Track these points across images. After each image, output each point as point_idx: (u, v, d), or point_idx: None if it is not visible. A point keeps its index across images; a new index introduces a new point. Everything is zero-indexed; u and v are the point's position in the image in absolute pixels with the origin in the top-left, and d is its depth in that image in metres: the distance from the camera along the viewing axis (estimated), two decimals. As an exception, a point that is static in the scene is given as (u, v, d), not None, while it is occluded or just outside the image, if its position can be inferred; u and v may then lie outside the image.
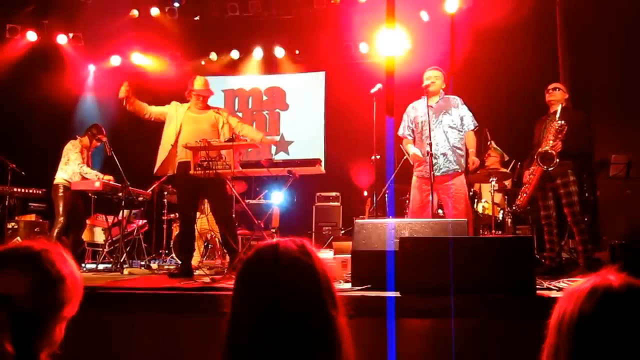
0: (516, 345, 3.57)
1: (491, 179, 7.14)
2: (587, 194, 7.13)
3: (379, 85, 6.52)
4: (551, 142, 5.88)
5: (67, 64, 11.01)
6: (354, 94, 9.51)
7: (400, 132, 6.32)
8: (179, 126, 6.16)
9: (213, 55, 11.44)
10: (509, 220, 7.53)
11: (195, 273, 6.12)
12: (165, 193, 8.83)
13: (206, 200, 6.90)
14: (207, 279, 5.27)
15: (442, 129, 6.00)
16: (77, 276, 1.71)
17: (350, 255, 4.58)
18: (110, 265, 7.24)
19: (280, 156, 11.23)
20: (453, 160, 5.97)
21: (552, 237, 6.14)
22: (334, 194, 10.40)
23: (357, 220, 4.73)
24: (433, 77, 6.07)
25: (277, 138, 11.57)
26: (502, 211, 7.63)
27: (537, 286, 4.01)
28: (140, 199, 7.93)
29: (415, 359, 3.65)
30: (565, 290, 1.31)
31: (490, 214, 7.35)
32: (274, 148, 11.42)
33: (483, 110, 7.52)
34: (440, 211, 6.82)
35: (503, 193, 7.73)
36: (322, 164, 6.12)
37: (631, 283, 1.24)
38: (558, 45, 8.97)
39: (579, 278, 4.25)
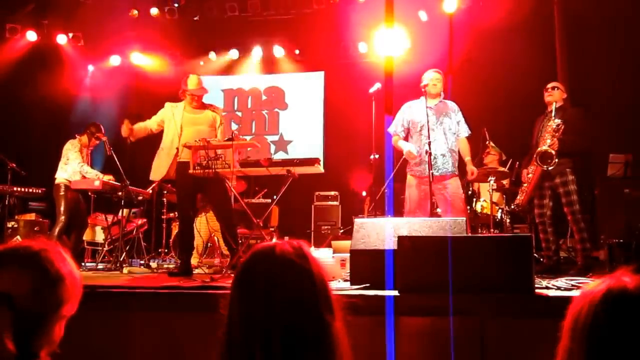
0: (515, 343, 3.59)
1: (490, 178, 7.15)
2: (585, 193, 7.14)
3: (377, 85, 6.54)
4: (548, 141, 5.89)
5: (66, 63, 11.01)
6: (353, 93, 9.52)
7: (391, 130, 6.33)
8: (180, 129, 6.13)
9: (212, 55, 11.45)
10: (508, 220, 7.54)
11: (194, 272, 6.13)
12: (165, 192, 8.83)
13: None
14: (206, 278, 5.28)
15: (443, 130, 6.03)
16: (77, 275, 1.71)
17: (349, 254, 4.59)
18: (109, 264, 7.24)
19: (280, 155, 11.24)
20: (450, 162, 6.04)
21: (547, 236, 6.15)
22: (332, 193, 10.41)
23: (356, 220, 4.74)
24: (435, 80, 6.11)
25: (277, 138, 11.59)
26: (500, 210, 7.64)
27: (536, 285, 4.03)
28: (140, 198, 7.93)
29: (414, 357, 3.66)
30: (580, 292, 1.30)
31: (489, 213, 7.36)
32: (273, 147, 11.44)
33: (481, 110, 7.56)
34: (439, 210, 6.84)
35: (501, 192, 7.74)
36: (321, 163, 6.13)
37: None
38: (556, 45, 8.98)
39: (580, 277, 4.28)
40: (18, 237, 7.63)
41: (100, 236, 8.69)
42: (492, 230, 7.26)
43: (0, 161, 7.99)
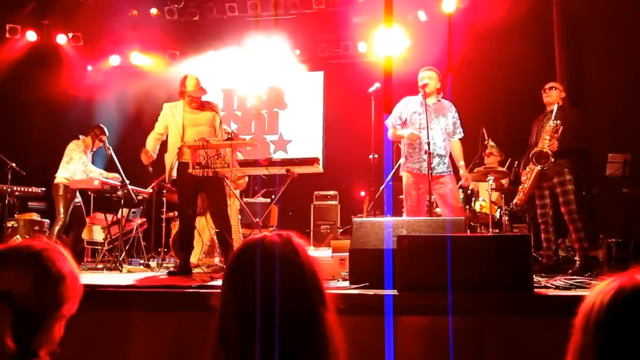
0: (514, 342, 3.60)
1: (488, 178, 7.16)
2: (584, 193, 7.16)
3: (377, 85, 6.55)
4: (547, 141, 5.90)
5: (66, 63, 11.02)
6: (352, 93, 9.53)
7: (388, 122, 6.31)
8: (182, 130, 6.12)
9: (212, 55, 11.45)
10: (506, 219, 7.55)
11: (194, 271, 6.13)
12: (164, 192, 8.83)
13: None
14: (205, 277, 5.29)
15: (440, 130, 6.05)
16: (77, 275, 1.72)
17: (348, 254, 4.60)
18: (109, 264, 7.25)
19: (279, 155, 11.24)
20: (447, 162, 6.07)
21: (548, 236, 6.16)
22: (332, 192, 10.42)
23: (355, 219, 4.75)
24: (427, 78, 6.10)
25: (276, 137, 11.60)
26: (499, 210, 7.65)
27: (535, 284, 4.04)
28: (140, 197, 7.93)
29: (413, 356, 3.66)
30: (592, 290, 1.29)
31: (488, 212, 7.37)
32: (272, 147, 11.45)
33: (480, 109, 7.57)
34: (438, 210, 6.85)
35: (500, 192, 7.75)
36: (320, 163, 6.14)
37: None
38: (555, 45, 8.99)
39: (578, 276, 4.29)
40: (18, 236, 7.63)
41: (100, 235, 8.70)
42: (491, 229, 7.27)
43: (0, 161, 7.99)
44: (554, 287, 4.22)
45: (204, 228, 7.06)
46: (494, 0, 8.83)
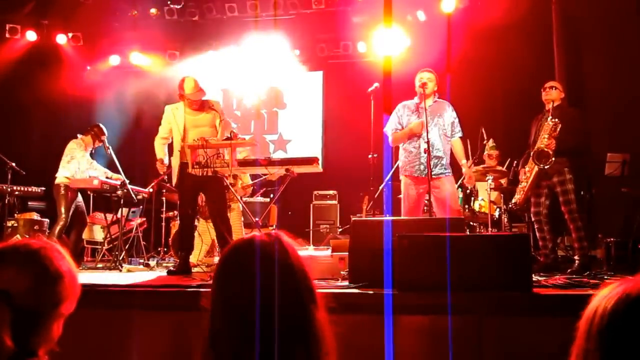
0: (513, 341, 3.61)
1: (487, 177, 7.17)
2: (582, 192, 7.17)
3: (376, 84, 6.55)
4: (545, 140, 5.91)
5: (66, 63, 11.02)
6: (352, 93, 9.53)
7: (387, 129, 6.31)
8: (183, 131, 6.13)
9: (211, 55, 11.46)
10: (505, 218, 7.56)
11: (193, 270, 6.14)
12: (164, 191, 8.85)
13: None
14: (205, 277, 5.29)
15: (438, 132, 6.04)
16: (75, 274, 1.71)
17: (347, 253, 4.61)
18: (109, 263, 7.26)
19: (279, 155, 11.25)
20: (445, 163, 6.07)
21: (543, 234, 6.17)
22: (331, 192, 10.43)
23: (354, 218, 4.76)
24: (426, 79, 6.09)
25: (276, 137, 11.61)
26: (498, 209, 7.66)
27: (534, 283, 4.05)
28: (139, 197, 7.94)
29: (413, 355, 3.67)
30: (596, 294, 1.29)
31: (487, 212, 7.38)
32: (272, 147, 11.46)
33: (479, 109, 7.59)
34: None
35: (499, 191, 7.76)
36: (320, 162, 6.14)
37: None
38: (554, 45, 8.99)
39: (577, 276, 4.30)
40: (18, 236, 7.62)
41: (99, 235, 8.70)
42: (490, 229, 7.28)
43: (0, 160, 7.99)
44: (552, 286, 4.23)
45: (205, 230, 7.07)
46: (493, 0, 8.83)
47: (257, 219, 6.26)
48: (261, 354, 1.36)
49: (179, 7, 10.30)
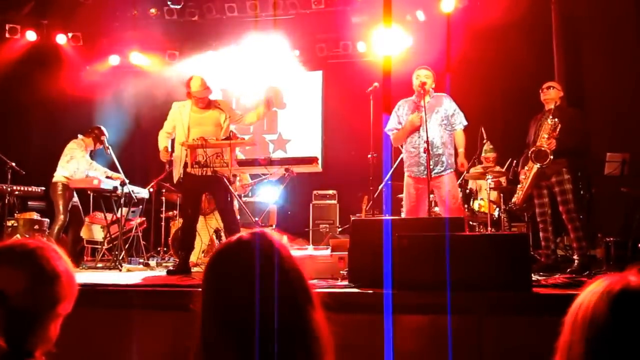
0: (512, 341, 3.61)
1: (487, 177, 7.17)
2: (582, 192, 7.17)
3: (375, 84, 6.56)
4: (545, 140, 5.91)
5: (66, 63, 11.02)
6: (351, 92, 9.54)
7: (387, 128, 6.33)
8: (187, 130, 6.15)
9: (211, 55, 11.47)
10: (505, 218, 7.57)
11: (193, 270, 6.14)
12: (164, 191, 8.85)
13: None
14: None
15: (435, 128, 6.03)
16: (72, 273, 1.70)
17: (347, 253, 4.61)
18: (109, 263, 7.26)
19: (278, 154, 11.25)
20: (445, 160, 6.05)
21: (547, 235, 6.17)
22: (330, 192, 10.43)
23: (354, 218, 4.77)
24: (423, 77, 6.09)
25: (275, 137, 11.61)
26: (497, 209, 7.67)
27: (533, 283, 4.05)
28: (139, 196, 7.94)
29: (413, 355, 3.68)
30: (583, 288, 1.31)
31: (486, 211, 7.38)
32: (271, 146, 11.45)
33: (479, 109, 7.59)
34: (437, 209, 6.87)
35: (499, 191, 7.76)
36: (319, 162, 6.14)
37: None
38: (553, 44, 9.00)
39: (577, 275, 4.30)
40: (18, 235, 7.63)
41: (99, 235, 8.70)
42: (489, 228, 7.28)
43: (0, 160, 7.99)
44: (552, 285, 4.23)
45: (203, 228, 7.07)
46: (492, 0, 8.84)
47: (256, 219, 6.26)
48: (260, 358, 1.32)
49: (178, 7, 10.29)
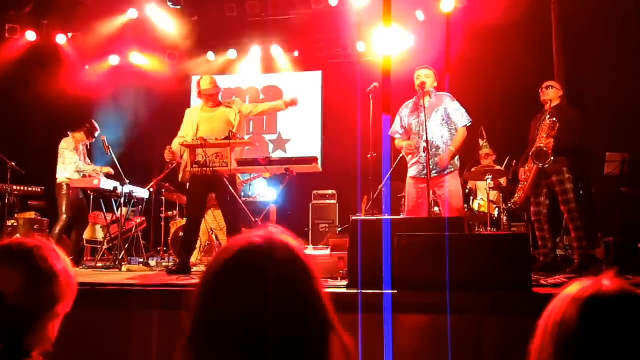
0: (512, 341, 3.61)
1: (487, 177, 7.17)
2: (582, 192, 7.17)
3: (375, 84, 6.55)
4: (544, 139, 5.92)
5: (66, 63, 11.02)
6: (351, 92, 9.54)
7: (391, 132, 6.35)
8: (196, 129, 6.19)
9: (211, 55, 11.48)
10: (505, 218, 7.57)
11: (193, 270, 6.14)
12: (164, 191, 8.85)
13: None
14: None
15: (435, 128, 6.01)
16: (71, 273, 1.69)
17: (347, 252, 4.61)
18: (109, 263, 7.27)
19: (278, 154, 11.26)
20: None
21: (543, 234, 6.18)
22: (330, 191, 10.44)
23: (353, 218, 4.77)
24: (423, 76, 6.09)
25: (275, 137, 11.61)
26: (497, 209, 7.67)
27: (533, 283, 4.05)
28: (139, 196, 7.95)
29: (412, 355, 3.68)
30: (559, 292, 1.32)
31: (486, 211, 7.39)
32: (271, 146, 11.46)
33: (478, 109, 7.57)
34: (437, 209, 6.86)
35: (498, 190, 7.77)
36: (319, 162, 6.14)
37: (623, 289, 1.22)
38: (553, 44, 9.00)
39: (577, 275, 4.30)
40: (18, 235, 7.63)
41: (99, 234, 8.71)
42: (489, 228, 7.29)
43: (0, 160, 8.00)
44: (552, 285, 4.23)
45: (202, 228, 7.08)
46: (492, 0, 8.84)
47: (256, 219, 6.25)
48: None
49: (178, 7, 10.29)
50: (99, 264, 7.54)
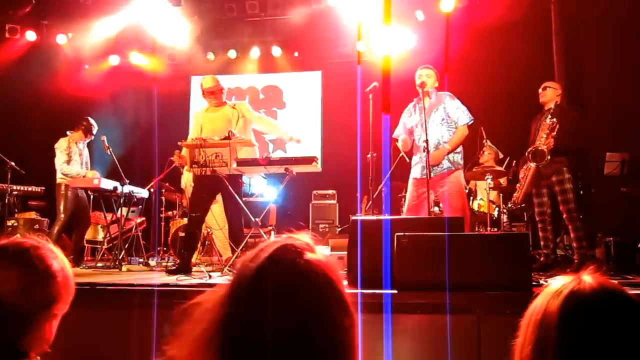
0: (512, 341, 3.61)
1: (486, 177, 7.17)
2: (581, 192, 7.18)
3: (374, 84, 6.56)
4: (543, 139, 5.92)
5: (65, 63, 11.02)
6: (351, 92, 9.53)
7: (395, 135, 6.38)
8: (200, 129, 6.22)
9: (210, 55, 11.48)
10: (505, 218, 7.57)
11: (192, 269, 6.14)
12: (164, 191, 8.86)
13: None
14: (205, 275, 5.30)
15: (435, 128, 6.02)
16: (68, 273, 1.67)
17: (346, 252, 4.61)
18: (109, 262, 7.27)
19: (278, 154, 11.25)
20: (448, 158, 6.02)
21: (546, 234, 6.18)
22: (330, 191, 10.44)
23: (353, 218, 4.76)
24: (424, 76, 6.10)
25: (275, 137, 11.60)
26: (497, 208, 7.67)
27: (533, 282, 4.05)
28: (139, 196, 7.95)
29: (412, 355, 3.68)
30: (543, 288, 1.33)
31: (486, 211, 7.38)
32: (271, 146, 11.46)
33: (478, 109, 7.56)
34: (436, 208, 6.86)
35: (498, 190, 7.77)
36: (319, 161, 6.14)
37: (603, 285, 1.22)
38: (553, 44, 9.00)
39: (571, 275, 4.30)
40: (18, 235, 7.63)
41: (99, 234, 8.72)
42: (489, 228, 7.28)
43: (0, 160, 8.00)
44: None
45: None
46: (492, 0, 8.84)
47: (256, 219, 6.25)
48: None
49: (178, 7, 10.29)
50: (99, 264, 7.54)
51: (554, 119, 5.89)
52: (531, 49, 8.94)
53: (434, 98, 6.15)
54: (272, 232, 8.43)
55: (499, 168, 7.57)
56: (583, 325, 1.18)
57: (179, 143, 6.07)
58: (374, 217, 5.51)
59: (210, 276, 5.21)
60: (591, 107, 8.17)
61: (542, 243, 6.23)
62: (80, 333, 3.31)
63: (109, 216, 8.00)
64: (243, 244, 5.97)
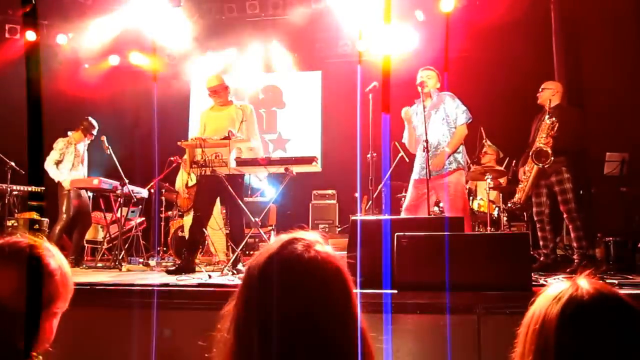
0: (512, 341, 3.61)
1: (486, 177, 7.17)
2: (581, 191, 7.18)
3: (374, 83, 6.56)
4: (543, 139, 5.92)
5: (65, 63, 11.01)
6: (350, 92, 9.53)
7: (403, 139, 6.42)
8: (203, 129, 6.22)
9: (210, 55, 11.47)
10: (504, 218, 7.57)
11: (195, 269, 6.14)
12: (164, 191, 8.85)
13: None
14: (205, 275, 5.29)
15: (435, 128, 6.03)
16: (67, 272, 1.67)
17: (346, 252, 4.61)
18: (109, 262, 7.27)
19: (277, 154, 11.26)
20: (449, 158, 6.02)
21: (545, 234, 6.18)
22: (330, 191, 10.44)
23: (353, 218, 4.77)
24: (425, 77, 6.11)
25: (275, 136, 11.60)
26: (497, 208, 7.67)
27: (533, 282, 4.05)
28: (139, 196, 7.95)
29: (412, 355, 3.68)
30: (539, 294, 1.33)
31: (486, 211, 7.39)
32: (271, 146, 11.46)
33: (478, 109, 7.57)
34: (436, 208, 6.86)
35: (498, 190, 7.77)
36: (319, 161, 6.14)
37: (600, 291, 1.23)
38: (553, 44, 9.00)
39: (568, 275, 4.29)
40: (18, 235, 7.62)
41: (99, 234, 8.72)
42: (489, 228, 7.29)
43: (0, 160, 8.00)
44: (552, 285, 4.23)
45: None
46: (492, 0, 8.84)
47: (256, 219, 6.25)
48: None
49: (178, 7, 10.29)
50: (99, 264, 7.54)
51: (554, 119, 5.89)
52: (531, 49, 8.95)
53: (435, 98, 6.16)
54: (272, 232, 8.43)
55: (499, 168, 7.57)
56: (583, 332, 1.18)
57: (179, 143, 6.07)
58: (374, 217, 5.51)
59: (210, 276, 5.20)
60: (591, 107, 8.17)
61: (541, 243, 6.24)
62: (81, 333, 3.32)
63: (109, 216, 8.00)
64: (243, 243, 5.97)
